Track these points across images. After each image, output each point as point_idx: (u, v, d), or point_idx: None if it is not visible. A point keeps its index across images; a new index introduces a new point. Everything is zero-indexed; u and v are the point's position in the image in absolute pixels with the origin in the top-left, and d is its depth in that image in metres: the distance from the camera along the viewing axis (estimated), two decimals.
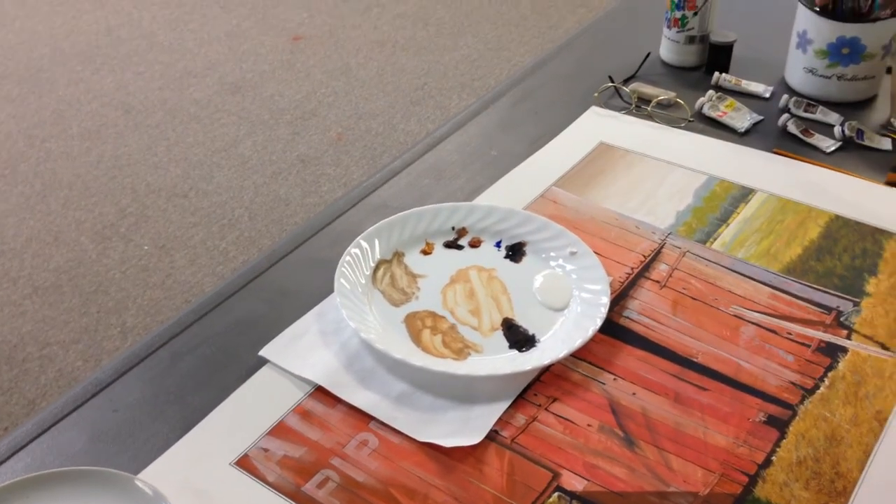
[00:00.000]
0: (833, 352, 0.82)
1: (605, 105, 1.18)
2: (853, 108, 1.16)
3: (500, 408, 0.76)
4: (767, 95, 1.19)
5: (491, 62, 3.05)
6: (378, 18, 3.32)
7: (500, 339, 0.83)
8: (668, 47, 1.26)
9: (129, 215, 2.36)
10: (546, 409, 0.77)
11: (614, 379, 0.80)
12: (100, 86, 2.92)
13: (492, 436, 0.75)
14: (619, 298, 0.88)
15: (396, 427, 0.75)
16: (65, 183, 2.47)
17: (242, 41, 3.18)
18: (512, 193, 1.02)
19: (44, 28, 3.26)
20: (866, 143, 1.09)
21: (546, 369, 0.80)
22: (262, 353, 0.81)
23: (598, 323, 0.82)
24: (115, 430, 0.75)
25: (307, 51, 3.12)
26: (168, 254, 2.23)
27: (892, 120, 1.13)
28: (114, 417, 0.76)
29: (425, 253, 0.92)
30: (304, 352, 0.81)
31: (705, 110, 1.15)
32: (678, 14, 1.22)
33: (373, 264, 0.90)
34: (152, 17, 3.34)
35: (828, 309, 0.87)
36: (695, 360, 0.81)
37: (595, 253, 0.90)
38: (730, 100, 1.16)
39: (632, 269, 0.92)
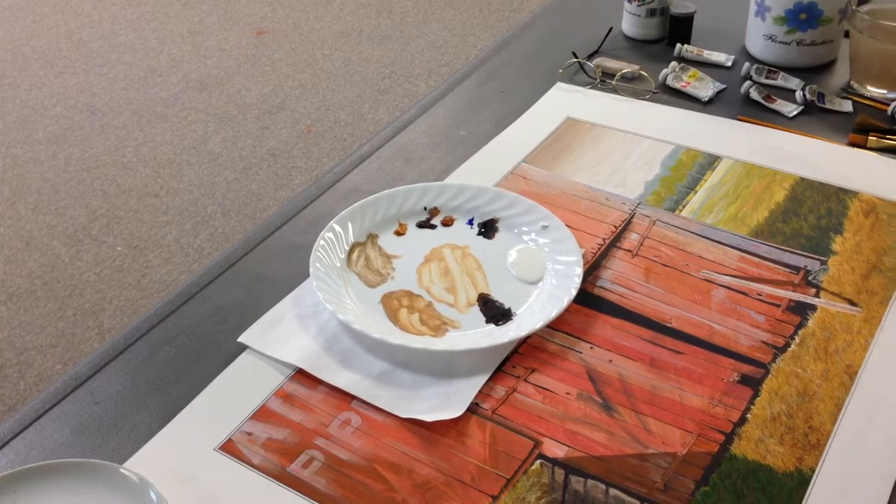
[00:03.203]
0: (802, 310, 0.84)
1: (570, 81, 1.19)
2: (813, 72, 1.18)
3: (479, 381, 0.77)
4: (729, 64, 1.21)
5: (457, 48, 3.05)
6: (341, 9, 3.32)
7: (476, 314, 0.84)
8: (629, 21, 1.27)
9: (100, 217, 2.34)
10: (525, 379, 0.78)
11: (591, 347, 0.81)
12: (63, 89, 2.90)
13: (473, 408, 0.76)
14: (593, 269, 0.89)
15: (378, 405, 0.76)
16: (33, 188, 2.45)
17: (206, 38, 3.16)
18: (482, 172, 1.03)
19: (3, 34, 3.22)
20: (828, 106, 1.11)
21: (523, 341, 0.81)
22: (240, 339, 0.82)
23: (573, 293, 0.83)
24: (97, 422, 0.75)
25: (272, 45, 3.11)
26: (142, 254, 2.22)
27: (851, 82, 1.15)
28: (95, 410, 0.76)
29: (398, 234, 0.93)
30: (283, 336, 0.82)
31: (669, 81, 1.16)
32: None
33: (347, 247, 0.90)
34: (113, 17, 3.31)
35: (796, 269, 0.88)
36: (668, 324, 0.83)
37: (567, 226, 0.91)
38: (693, 70, 1.18)
39: (603, 239, 0.93)
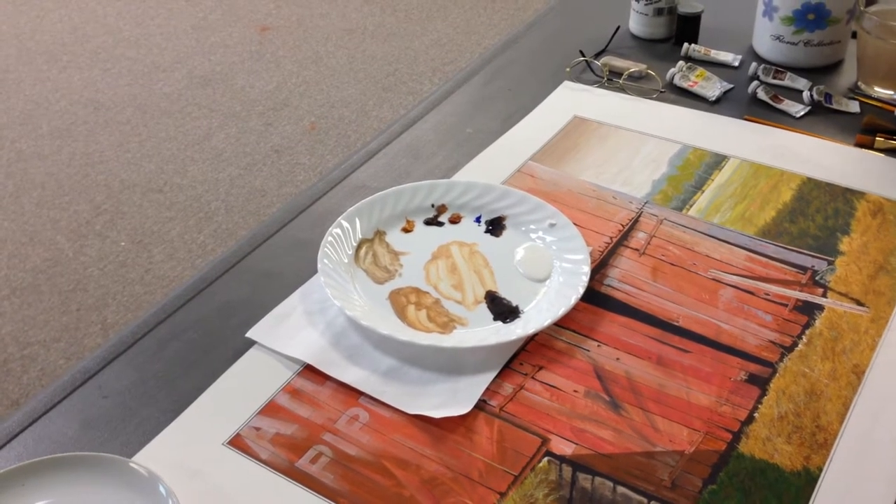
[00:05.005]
0: (810, 310, 0.84)
1: (578, 79, 1.19)
2: (821, 72, 1.18)
3: (487, 378, 0.78)
4: (736, 64, 1.21)
5: (461, 45, 3.05)
6: (346, 6, 3.31)
7: (484, 311, 0.84)
8: (637, 20, 1.27)
9: (104, 212, 2.34)
10: (532, 377, 0.78)
11: (598, 345, 0.81)
12: (68, 84, 2.90)
13: (480, 405, 0.76)
14: (600, 267, 0.89)
15: (386, 401, 0.76)
16: (37, 182, 2.45)
17: (210, 34, 3.16)
18: (489, 169, 1.03)
19: (8, 28, 3.22)
20: (835, 106, 1.11)
21: (531, 339, 0.81)
22: (248, 334, 0.82)
23: (580, 292, 0.83)
24: (105, 416, 0.75)
25: (276, 41, 3.11)
26: (146, 249, 2.22)
27: (859, 83, 1.15)
28: (104, 404, 0.76)
29: (406, 231, 0.93)
30: (291, 332, 0.82)
31: (676, 81, 1.16)
32: None
33: (355, 244, 0.91)
34: (117, 12, 3.31)
35: (803, 269, 0.88)
36: (676, 323, 0.83)
37: (574, 224, 0.91)
38: (700, 70, 1.18)
39: (611, 238, 0.93)
